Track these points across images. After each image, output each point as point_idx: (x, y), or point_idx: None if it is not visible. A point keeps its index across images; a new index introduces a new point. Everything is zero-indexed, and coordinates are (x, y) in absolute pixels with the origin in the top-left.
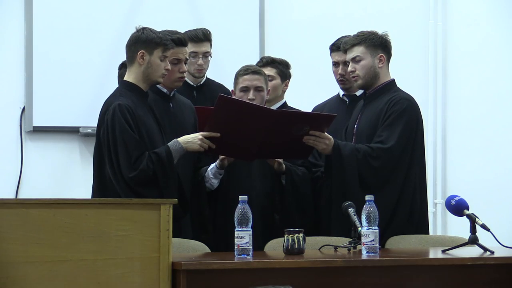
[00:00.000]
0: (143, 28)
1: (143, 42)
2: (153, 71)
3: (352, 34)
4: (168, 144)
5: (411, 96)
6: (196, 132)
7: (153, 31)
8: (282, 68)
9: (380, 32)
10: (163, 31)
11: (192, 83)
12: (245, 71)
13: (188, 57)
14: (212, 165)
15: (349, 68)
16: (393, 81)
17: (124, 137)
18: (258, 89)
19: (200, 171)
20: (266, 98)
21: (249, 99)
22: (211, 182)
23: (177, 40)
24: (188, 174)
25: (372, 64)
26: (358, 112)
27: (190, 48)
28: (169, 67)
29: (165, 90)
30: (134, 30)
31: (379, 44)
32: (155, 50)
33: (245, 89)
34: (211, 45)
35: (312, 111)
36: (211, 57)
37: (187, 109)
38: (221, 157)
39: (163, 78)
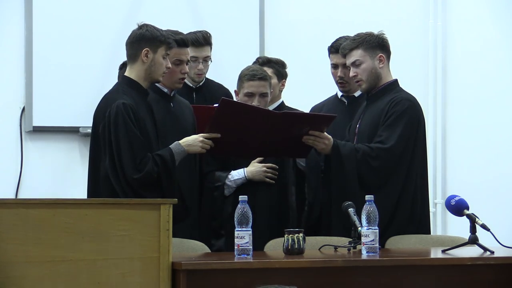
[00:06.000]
0: (146, 25)
1: (147, 40)
2: (156, 69)
3: (351, 35)
4: (170, 146)
5: (413, 97)
6: (195, 131)
7: (156, 29)
8: (278, 68)
9: (376, 32)
10: (165, 30)
11: (191, 85)
12: (252, 76)
13: (189, 59)
14: (239, 176)
15: (351, 73)
16: (395, 81)
17: (129, 136)
18: (263, 95)
19: (215, 176)
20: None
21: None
22: (229, 190)
23: (180, 41)
24: (187, 176)
25: (372, 66)
26: (360, 112)
27: (190, 52)
28: (169, 65)
29: (166, 90)
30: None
31: (376, 45)
32: (159, 48)
33: (250, 95)
34: (211, 48)
35: (310, 111)
36: (211, 61)
37: (186, 109)
38: (254, 170)
39: (162, 77)
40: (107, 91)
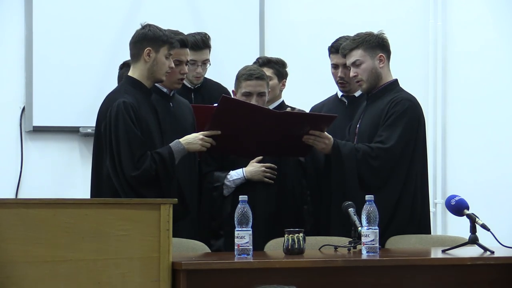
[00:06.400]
0: (149, 25)
1: (150, 39)
2: (158, 69)
3: (351, 35)
4: (170, 144)
5: (413, 97)
6: (195, 131)
7: (159, 29)
8: (279, 68)
9: (376, 31)
10: (165, 30)
11: (190, 86)
12: (249, 76)
13: (188, 60)
14: (238, 176)
15: (351, 74)
16: (395, 81)
17: (128, 135)
18: (260, 94)
19: (214, 177)
20: (267, 100)
21: None
22: (228, 190)
23: (180, 41)
24: (186, 175)
25: (373, 65)
26: (361, 112)
27: (189, 55)
28: (172, 65)
29: (165, 90)
30: (134, 30)
31: (376, 45)
32: (162, 48)
33: (248, 94)
34: (210, 50)
35: (310, 111)
36: (209, 64)
37: (186, 108)
38: (253, 170)
39: (165, 76)
40: (107, 91)
